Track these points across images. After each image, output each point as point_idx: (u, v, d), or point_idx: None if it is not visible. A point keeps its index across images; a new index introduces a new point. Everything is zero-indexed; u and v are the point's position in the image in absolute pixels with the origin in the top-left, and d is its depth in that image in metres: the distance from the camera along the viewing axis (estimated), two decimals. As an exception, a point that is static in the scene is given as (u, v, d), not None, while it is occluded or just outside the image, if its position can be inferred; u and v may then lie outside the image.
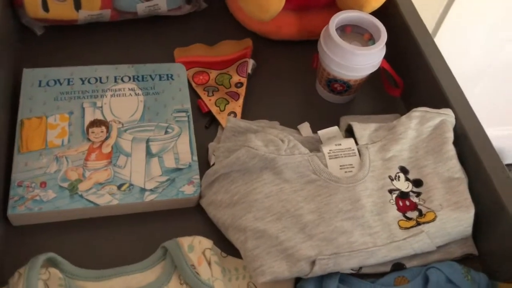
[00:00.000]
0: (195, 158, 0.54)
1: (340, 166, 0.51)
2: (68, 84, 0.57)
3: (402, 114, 0.58)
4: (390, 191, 0.51)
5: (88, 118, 0.55)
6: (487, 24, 1.05)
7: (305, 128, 0.57)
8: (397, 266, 0.50)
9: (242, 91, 0.62)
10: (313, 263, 0.46)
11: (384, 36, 0.57)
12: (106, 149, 0.53)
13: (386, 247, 0.48)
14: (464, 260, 0.51)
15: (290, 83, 0.65)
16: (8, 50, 0.58)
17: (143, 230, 0.51)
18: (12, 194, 0.49)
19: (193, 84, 0.62)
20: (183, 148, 0.55)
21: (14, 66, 0.59)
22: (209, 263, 0.47)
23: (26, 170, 0.50)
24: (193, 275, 0.46)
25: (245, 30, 0.69)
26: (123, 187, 0.51)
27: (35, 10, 0.59)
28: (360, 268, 0.49)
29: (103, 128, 0.55)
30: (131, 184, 0.51)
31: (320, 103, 0.64)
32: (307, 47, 0.67)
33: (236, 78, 0.63)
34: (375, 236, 0.48)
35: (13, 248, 0.48)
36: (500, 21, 1.05)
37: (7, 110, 0.54)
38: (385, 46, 0.59)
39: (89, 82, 0.58)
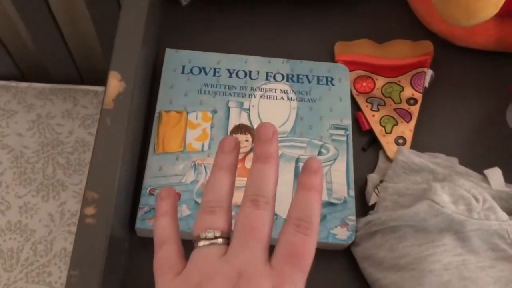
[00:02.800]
0: (352, 192, 0.44)
1: (549, 245, 0.39)
2: (214, 75, 0.49)
3: None
4: None
5: (233, 121, 0.47)
6: None
7: (495, 176, 0.45)
8: None
9: (415, 110, 0.50)
10: None
11: None
12: (250, 164, 0.45)
13: None
14: None
15: (474, 106, 0.52)
16: (154, 24, 0.50)
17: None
18: (142, 203, 0.42)
19: (354, 92, 0.51)
20: (339, 177, 0.45)
21: (156, 43, 0.52)
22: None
23: (160, 176, 0.44)
24: None
25: (422, 28, 0.55)
26: (265, 216, 0.43)
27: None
28: None
29: (249, 136, 0.46)
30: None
31: (510, 137, 0.51)
32: (501, 61, 0.53)
33: (409, 92, 0.51)
34: None
35: (134, 261, 0.43)
36: None
37: (145, 97, 0.47)
38: None
39: (237, 75, 0.49)
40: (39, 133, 0.87)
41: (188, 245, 0.42)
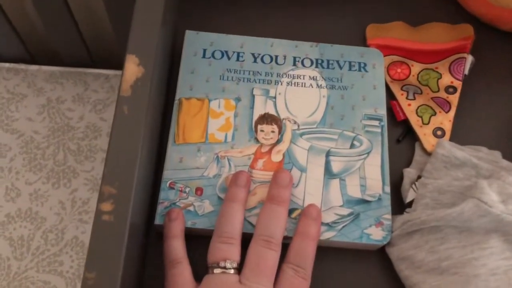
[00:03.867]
0: (387, 189, 0.41)
1: None
2: (238, 59, 0.45)
3: None
4: None
5: (258, 110, 0.43)
6: None
7: (544, 172, 0.41)
8: None
9: (454, 99, 0.46)
10: None
11: None
12: (277, 157, 0.42)
13: None
14: None
15: (517, 96, 0.48)
16: (174, 3, 0.47)
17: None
18: (162, 198, 0.39)
19: (388, 78, 0.47)
20: (373, 171, 0.42)
21: (175, 24, 0.48)
22: None
23: (180, 168, 0.41)
24: None
25: (460, 11, 0.51)
26: (294, 214, 0.40)
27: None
28: None
29: (275, 127, 0.43)
30: (304, 211, 0.40)
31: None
32: (548, 47, 0.49)
33: (447, 80, 0.47)
34: None
35: (150, 255, 0.40)
36: None
37: (164, 83, 0.44)
38: None
39: (262, 60, 0.45)
40: (49, 117, 0.84)
41: (205, 243, 0.39)
